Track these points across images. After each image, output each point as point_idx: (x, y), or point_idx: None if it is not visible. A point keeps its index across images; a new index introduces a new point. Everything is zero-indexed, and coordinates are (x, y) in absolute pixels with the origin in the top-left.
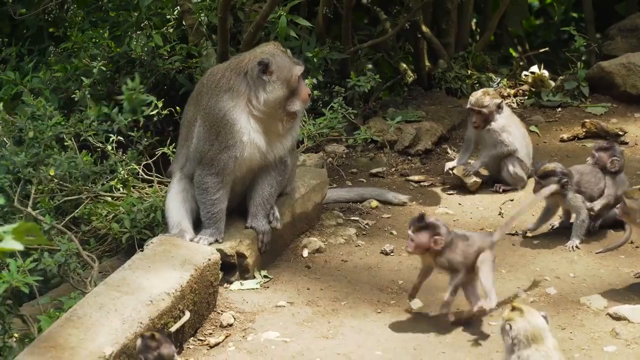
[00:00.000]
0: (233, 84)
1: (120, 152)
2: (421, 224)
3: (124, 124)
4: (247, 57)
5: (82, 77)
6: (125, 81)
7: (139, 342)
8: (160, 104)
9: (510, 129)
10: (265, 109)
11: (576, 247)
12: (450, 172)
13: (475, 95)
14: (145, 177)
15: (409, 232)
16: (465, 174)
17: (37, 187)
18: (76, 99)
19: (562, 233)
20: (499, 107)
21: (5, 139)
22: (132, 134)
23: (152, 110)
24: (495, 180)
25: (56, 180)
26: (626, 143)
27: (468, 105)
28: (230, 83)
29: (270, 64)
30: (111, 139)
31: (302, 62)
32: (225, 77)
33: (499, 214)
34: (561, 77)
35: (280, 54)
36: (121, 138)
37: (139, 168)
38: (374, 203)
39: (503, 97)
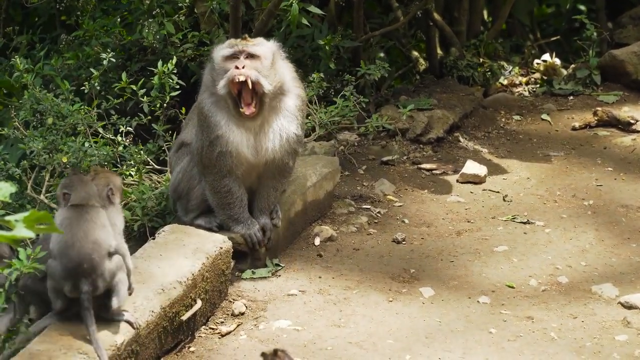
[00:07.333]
0: (207, 75)
1: (128, 140)
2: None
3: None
4: None
5: (92, 67)
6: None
7: None
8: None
9: None
10: (220, 97)
11: None
12: None
13: None
14: (156, 166)
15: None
16: None
17: (51, 175)
18: (85, 91)
19: (574, 221)
20: None
21: (17, 124)
22: (154, 126)
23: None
24: None
25: (68, 167)
26: (638, 131)
27: None
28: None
29: (214, 46)
30: (121, 130)
31: (247, 49)
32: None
33: (504, 199)
34: (573, 66)
35: (236, 41)
36: (130, 128)
37: (150, 159)
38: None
39: (515, 85)
